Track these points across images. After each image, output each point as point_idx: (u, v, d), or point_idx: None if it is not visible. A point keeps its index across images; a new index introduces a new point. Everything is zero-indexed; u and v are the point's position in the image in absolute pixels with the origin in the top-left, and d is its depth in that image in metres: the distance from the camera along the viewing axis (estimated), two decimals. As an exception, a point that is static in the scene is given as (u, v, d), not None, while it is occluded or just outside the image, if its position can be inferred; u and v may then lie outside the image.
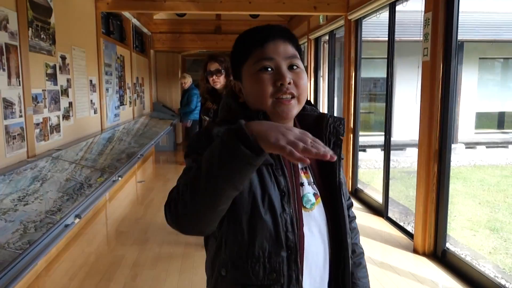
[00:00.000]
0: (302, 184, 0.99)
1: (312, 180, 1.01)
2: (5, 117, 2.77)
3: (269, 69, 0.94)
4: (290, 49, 0.97)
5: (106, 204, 5.04)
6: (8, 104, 2.80)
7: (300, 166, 1.00)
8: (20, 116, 2.98)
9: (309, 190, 0.99)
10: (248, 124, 0.74)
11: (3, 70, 2.75)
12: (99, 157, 4.11)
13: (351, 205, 1.16)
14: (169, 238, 3.82)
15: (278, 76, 0.94)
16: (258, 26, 1.01)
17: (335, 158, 0.69)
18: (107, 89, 5.38)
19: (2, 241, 1.83)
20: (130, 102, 6.96)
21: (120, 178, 3.46)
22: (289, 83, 0.94)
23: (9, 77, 2.82)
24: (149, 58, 8.70)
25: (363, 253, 1.16)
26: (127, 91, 6.68)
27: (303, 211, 0.96)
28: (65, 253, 3.54)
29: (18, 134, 2.94)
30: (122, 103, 6.29)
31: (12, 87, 2.86)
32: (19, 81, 2.96)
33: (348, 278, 1.02)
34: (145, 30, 7.82)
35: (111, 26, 5.84)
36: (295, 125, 1.04)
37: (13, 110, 2.88)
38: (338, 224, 1.01)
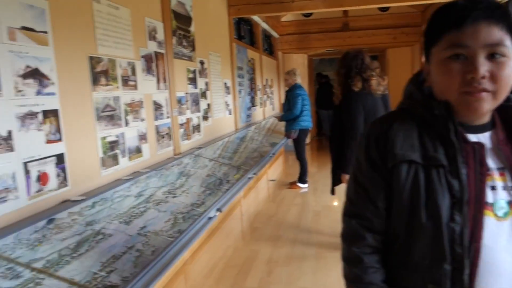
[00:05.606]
0: (493, 188, 0.84)
1: (509, 185, 0.84)
2: (156, 118, 3.07)
3: (461, 57, 0.80)
4: (496, 34, 0.78)
5: (241, 201, 5.28)
6: (157, 106, 3.10)
7: (494, 165, 0.85)
8: (168, 117, 3.27)
9: (502, 196, 0.83)
10: None
11: (153, 75, 3.05)
12: (234, 155, 4.31)
13: None
14: (301, 237, 3.81)
15: (470, 67, 0.78)
16: (458, 0, 0.82)
17: None
18: (239, 91, 5.65)
19: (157, 229, 2.00)
20: (261, 103, 7.20)
21: (255, 175, 3.57)
22: (483, 77, 0.78)
23: (158, 82, 3.11)
24: (277, 60, 8.92)
25: None
26: (258, 92, 6.93)
27: (493, 219, 0.82)
28: (206, 245, 3.79)
29: (166, 134, 3.23)
30: (253, 104, 6.54)
31: (160, 91, 3.15)
32: (166, 85, 3.26)
33: None
34: (273, 33, 8.03)
35: (242, 31, 6.12)
36: (493, 118, 0.89)
37: (162, 112, 3.17)
38: None
